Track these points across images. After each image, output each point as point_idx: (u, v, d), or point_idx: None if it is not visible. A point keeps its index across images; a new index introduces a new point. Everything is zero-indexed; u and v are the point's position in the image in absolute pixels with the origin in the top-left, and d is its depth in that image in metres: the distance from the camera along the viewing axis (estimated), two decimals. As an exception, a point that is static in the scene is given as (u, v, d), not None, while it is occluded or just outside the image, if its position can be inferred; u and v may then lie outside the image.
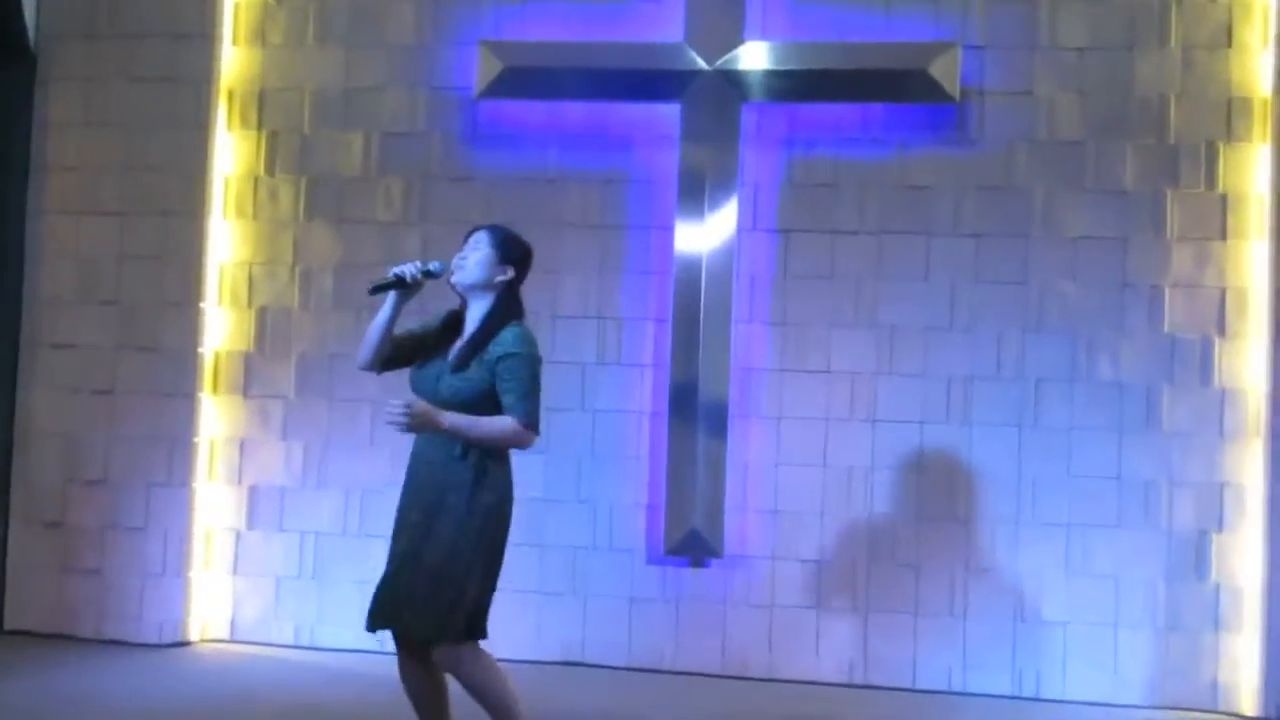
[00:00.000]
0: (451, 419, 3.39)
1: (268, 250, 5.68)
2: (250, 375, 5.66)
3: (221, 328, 5.69)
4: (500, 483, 3.50)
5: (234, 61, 5.71)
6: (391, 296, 3.54)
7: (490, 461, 3.48)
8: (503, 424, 3.43)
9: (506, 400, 3.44)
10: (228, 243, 5.70)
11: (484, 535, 3.45)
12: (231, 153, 5.71)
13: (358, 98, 5.65)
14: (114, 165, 5.65)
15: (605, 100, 5.47)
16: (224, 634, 5.62)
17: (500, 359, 3.44)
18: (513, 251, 3.59)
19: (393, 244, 5.57)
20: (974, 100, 5.29)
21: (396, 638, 3.57)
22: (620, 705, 4.45)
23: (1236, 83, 5.19)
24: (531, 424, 3.45)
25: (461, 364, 3.46)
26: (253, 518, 5.63)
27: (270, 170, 5.69)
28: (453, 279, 3.56)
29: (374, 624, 3.52)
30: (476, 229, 3.63)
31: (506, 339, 3.47)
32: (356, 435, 5.57)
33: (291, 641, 5.55)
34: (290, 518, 5.61)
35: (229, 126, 5.71)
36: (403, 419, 3.31)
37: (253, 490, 5.63)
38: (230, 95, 5.71)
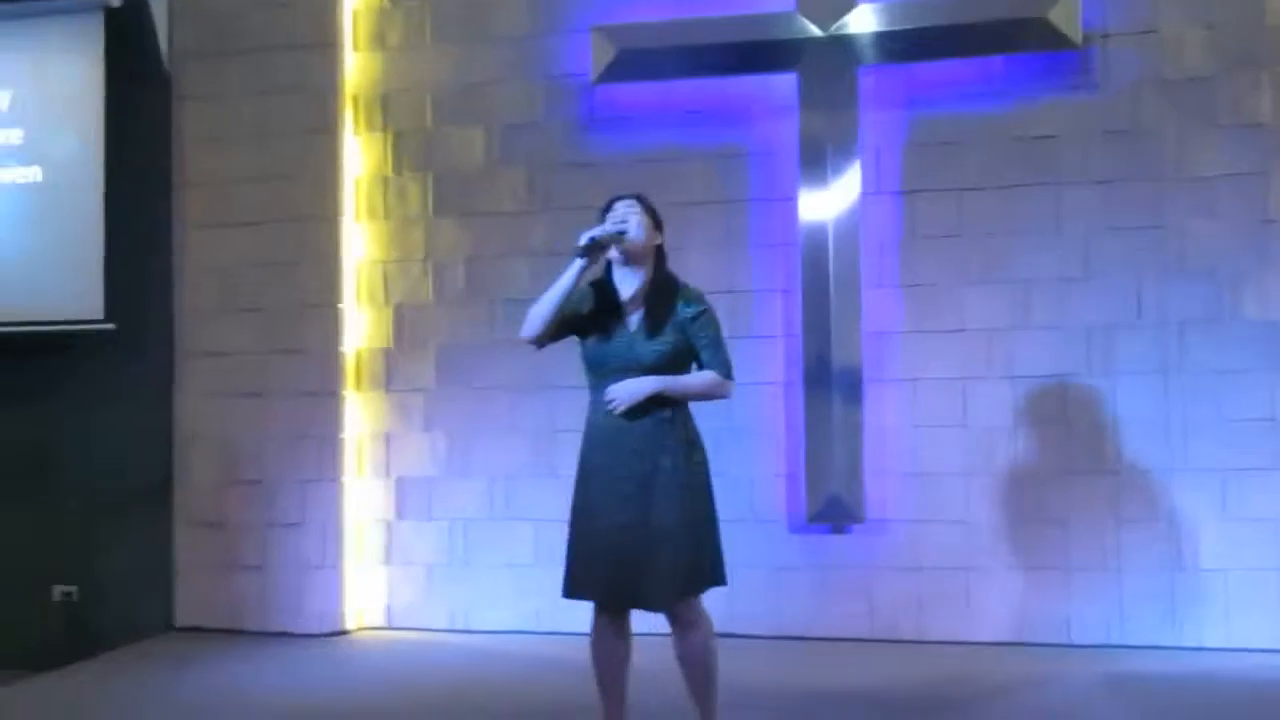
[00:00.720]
0: (663, 382, 3.50)
1: (400, 248, 5.84)
2: (391, 370, 5.83)
3: (360, 326, 5.86)
4: (700, 438, 3.61)
5: (356, 67, 5.88)
6: (575, 265, 3.52)
7: (691, 420, 3.60)
8: (707, 378, 3.58)
9: (705, 355, 3.57)
10: (361, 243, 5.88)
11: (706, 488, 3.58)
12: (359, 155, 5.89)
13: (476, 92, 5.78)
14: (248, 176, 5.87)
15: (720, 75, 5.49)
16: (380, 621, 5.80)
17: (693, 318, 3.55)
18: (658, 217, 3.66)
19: (519, 233, 5.70)
20: (1097, 44, 5.19)
21: (606, 609, 3.58)
22: (771, 673, 4.47)
23: (1374, 3, 5.01)
24: (730, 375, 3.60)
25: (655, 328, 3.53)
26: (402, 508, 5.79)
27: (398, 170, 5.85)
28: (628, 240, 3.54)
29: (616, 601, 3.53)
30: (617, 198, 3.66)
31: (690, 298, 3.59)
32: (496, 423, 5.69)
33: (446, 626, 5.70)
34: (438, 506, 5.76)
35: (355, 130, 5.88)
36: (623, 400, 3.46)
37: (400, 481, 5.80)
38: (355, 100, 5.88)
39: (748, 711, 3.82)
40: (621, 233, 3.54)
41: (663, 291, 3.59)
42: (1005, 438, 5.25)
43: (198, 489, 5.88)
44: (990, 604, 5.24)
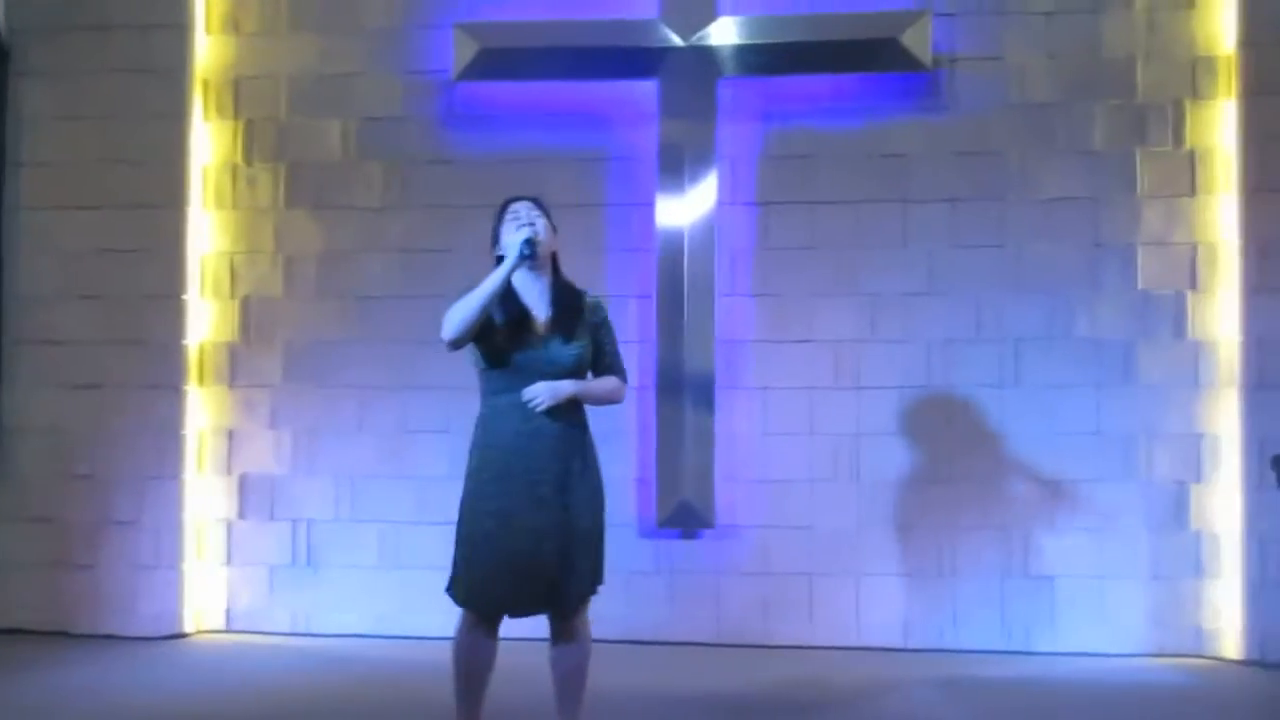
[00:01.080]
0: (579, 386, 3.56)
1: (249, 239, 5.69)
2: (236, 365, 5.67)
3: (205, 319, 5.69)
4: (593, 440, 3.65)
5: (208, 50, 5.71)
6: (507, 267, 3.47)
7: (588, 422, 3.63)
8: (612, 383, 3.68)
9: (608, 360, 3.67)
10: (208, 233, 5.71)
11: (603, 489, 3.63)
12: (209, 142, 5.72)
13: (334, 84, 5.67)
14: (91, 159, 5.65)
15: (582, 79, 5.50)
16: (220, 624, 5.63)
17: (600, 324, 3.66)
18: (552, 220, 3.67)
19: (375, 229, 5.61)
20: (946, 67, 5.38)
21: (501, 616, 3.54)
22: (618, 678, 4.49)
23: (1201, 41, 5.31)
24: (626, 380, 3.73)
25: (570, 333, 3.56)
26: (244, 507, 5.64)
27: (248, 159, 5.70)
28: (537, 248, 3.52)
29: (533, 609, 3.51)
30: (516, 200, 3.64)
31: (595, 305, 3.68)
32: (344, 422, 5.60)
33: (288, 629, 5.57)
34: (281, 506, 5.62)
35: (205, 116, 5.71)
36: (546, 398, 3.47)
37: (243, 480, 5.65)
38: (205, 85, 5.70)
39: (598, 716, 3.84)
40: (538, 237, 3.54)
41: (569, 296, 3.64)
42: (849, 446, 5.39)
43: (25, 483, 5.62)
44: (832, 609, 5.37)
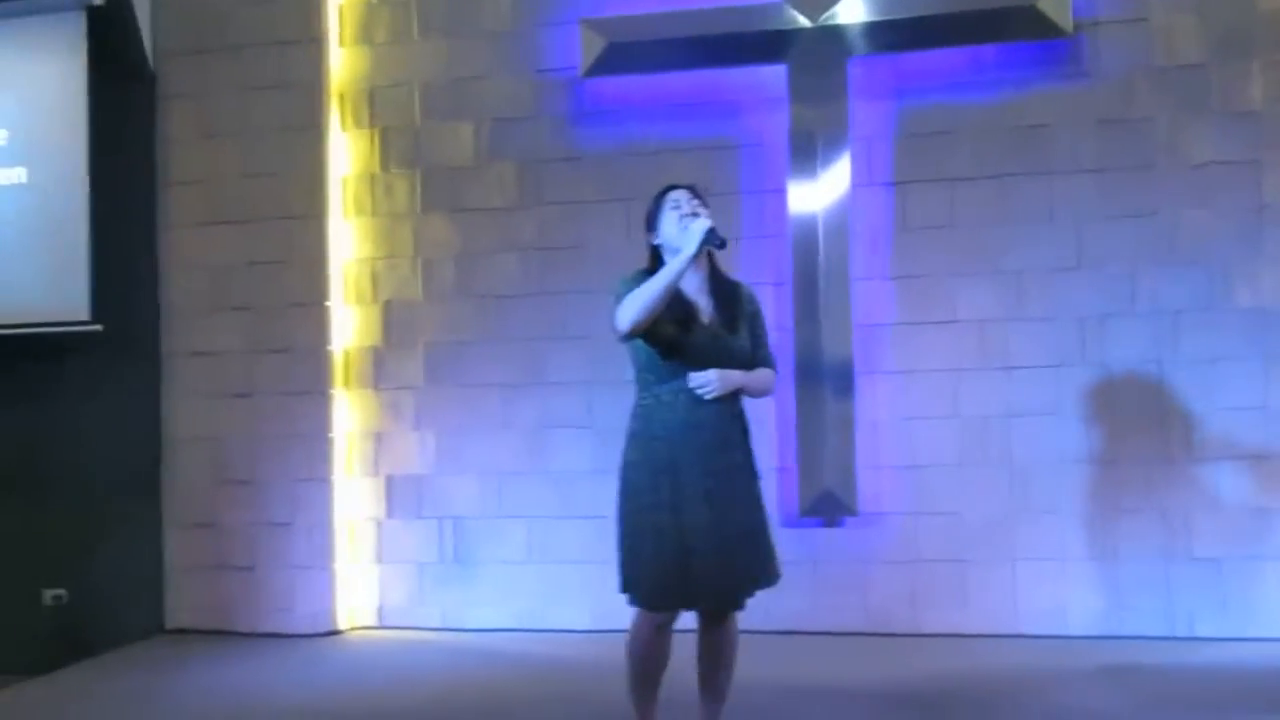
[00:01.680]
0: (746, 377, 3.54)
1: (388, 245, 5.80)
2: (380, 368, 5.78)
3: (349, 324, 5.82)
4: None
5: (342, 63, 5.84)
6: (686, 256, 3.42)
7: (747, 414, 3.61)
8: (768, 375, 3.65)
9: (761, 353, 3.64)
10: (349, 241, 5.83)
11: (760, 482, 3.59)
12: (346, 152, 5.84)
13: (464, 87, 5.73)
14: (234, 174, 5.82)
15: (709, 67, 5.44)
16: (372, 621, 5.75)
17: (755, 315, 3.64)
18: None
19: (508, 229, 5.66)
20: (1087, 31, 5.16)
21: (679, 610, 3.49)
22: (764, 669, 4.44)
23: (1366, -13, 4.99)
24: (777, 371, 3.71)
25: (735, 324, 3.54)
26: (392, 507, 5.75)
27: (385, 166, 5.80)
28: (715, 237, 3.47)
29: (708, 604, 3.48)
30: (675, 187, 3.61)
31: (750, 296, 3.67)
32: (487, 420, 5.66)
33: (438, 625, 5.65)
34: (428, 505, 5.71)
35: (342, 127, 5.83)
36: (718, 385, 3.43)
37: (390, 480, 5.75)
38: (341, 96, 5.83)
39: (743, 708, 3.79)
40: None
41: (729, 287, 3.63)
42: (998, 429, 5.22)
43: (186, 490, 5.84)
44: (985, 596, 5.21)
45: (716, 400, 3.45)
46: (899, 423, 5.32)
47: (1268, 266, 5.02)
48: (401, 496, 5.74)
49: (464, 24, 5.74)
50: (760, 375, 3.61)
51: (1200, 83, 5.10)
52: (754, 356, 3.60)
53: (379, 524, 5.76)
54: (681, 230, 3.49)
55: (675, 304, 3.47)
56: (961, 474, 5.25)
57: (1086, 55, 5.18)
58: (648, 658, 3.52)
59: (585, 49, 5.48)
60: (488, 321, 5.65)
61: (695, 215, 3.50)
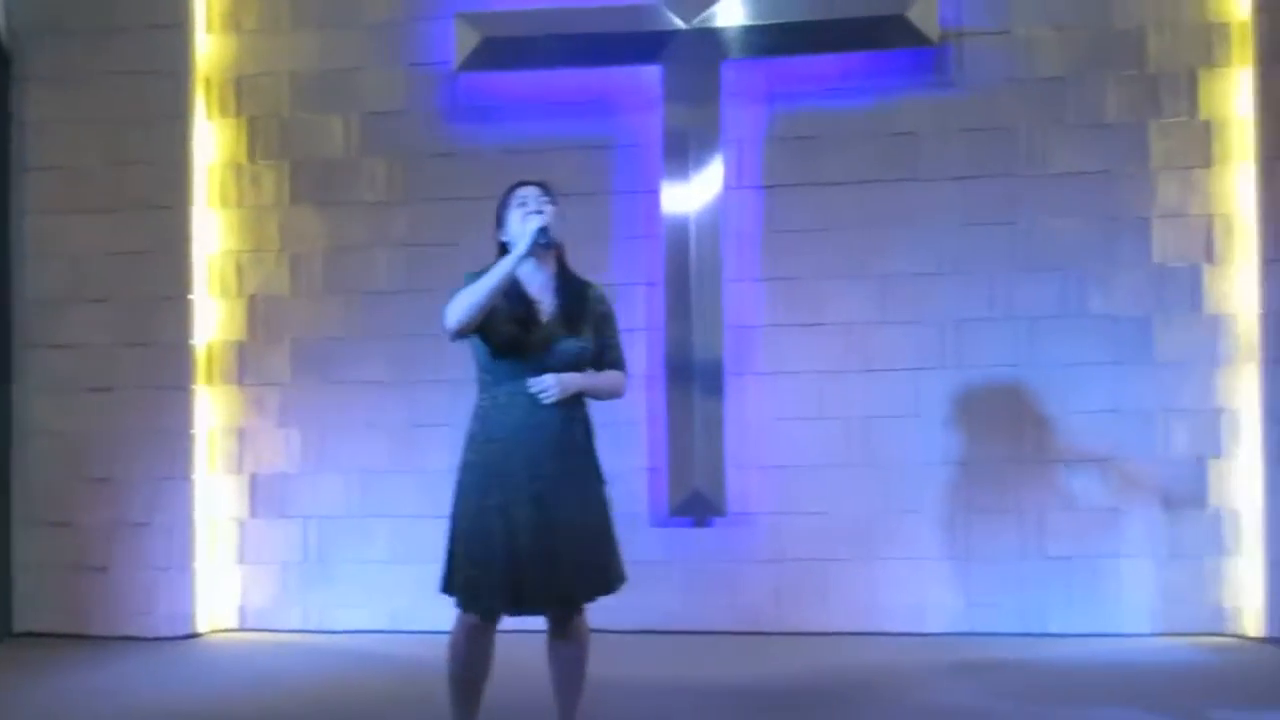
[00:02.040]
0: (587, 379, 3.50)
1: (254, 238, 5.67)
2: (244, 364, 5.65)
3: (213, 318, 5.67)
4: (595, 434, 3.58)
5: (209, 49, 5.69)
6: (515, 257, 3.38)
7: (591, 416, 3.55)
8: (616, 377, 3.61)
9: (611, 355, 3.60)
10: (214, 232, 5.69)
11: (606, 486, 3.54)
12: (212, 141, 5.69)
13: (336, 79, 5.63)
14: (95, 161, 5.63)
15: (585, 66, 5.44)
16: (233, 623, 5.62)
17: (604, 316, 3.58)
18: (560, 208, 3.59)
19: (380, 224, 5.58)
20: (953, 42, 5.29)
21: (500, 615, 3.44)
22: (631, 669, 4.46)
23: (1214, 7, 5.20)
24: (628, 373, 3.67)
25: (575, 325, 3.49)
26: (255, 506, 5.62)
27: (252, 157, 5.67)
28: (545, 237, 3.42)
29: (520, 607, 3.39)
30: (523, 184, 3.56)
31: (600, 297, 3.61)
32: (354, 418, 5.57)
33: (301, 626, 5.55)
34: (292, 504, 5.60)
35: (208, 115, 5.69)
36: (555, 390, 3.38)
37: (254, 479, 5.63)
38: (208, 84, 5.68)
39: (609, 707, 3.79)
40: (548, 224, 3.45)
41: (575, 286, 3.56)
42: (861, 430, 5.32)
43: (39, 487, 5.62)
44: (847, 594, 5.30)
45: (559, 404, 3.41)
46: (768, 423, 5.38)
47: (1120, 274, 5.21)
48: (265, 495, 5.61)
49: (336, 14, 5.64)
50: (606, 377, 3.57)
51: (1059, 94, 5.26)
52: (601, 358, 3.57)
53: (241, 524, 5.63)
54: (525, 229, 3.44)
55: (514, 302, 3.44)
56: (827, 475, 5.33)
57: (952, 65, 5.31)
58: (464, 662, 3.48)
59: (460, 43, 5.43)
60: (356, 318, 5.56)
61: (540, 214, 3.45)
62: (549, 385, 3.39)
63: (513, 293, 3.45)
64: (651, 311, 5.40)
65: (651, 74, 5.40)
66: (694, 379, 5.29)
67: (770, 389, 5.38)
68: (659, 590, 5.37)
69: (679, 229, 5.33)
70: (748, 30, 5.32)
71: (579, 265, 5.25)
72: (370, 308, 5.56)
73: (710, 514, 5.32)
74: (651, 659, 4.89)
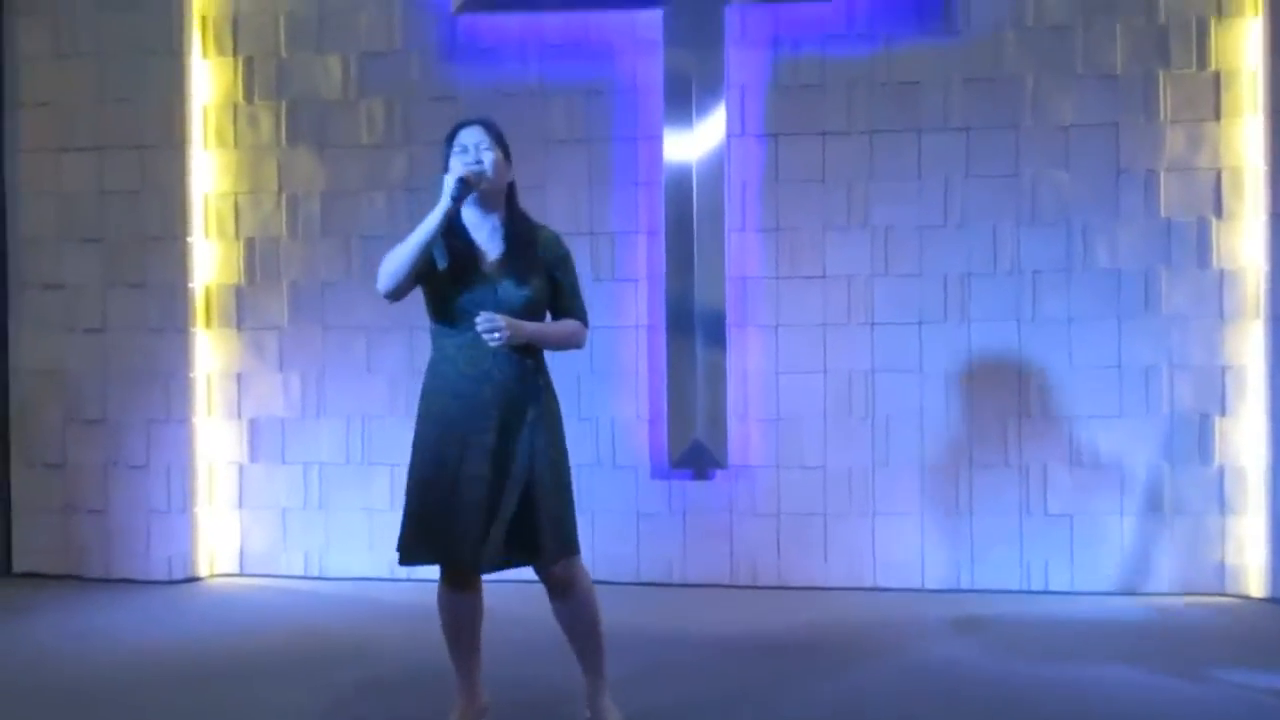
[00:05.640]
0: (533, 328, 3.34)
1: (251, 179, 5.59)
2: (242, 307, 5.60)
3: (210, 260, 5.62)
4: (553, 387, 3.46)
5: (204, -15, 5.58)
6: (440, 212, 3.24)
7: (547, 368, 3.44)
8: (571, 326, 3.47)
9: (566, 303, 3.46)
10: (210, 173, 5.61)
11: (563, 439, 3.43)
12: (208, 80, 5.60)
13: (333, 19, 5.53)
14: (88, 98, 5.54)
15: (584, 8, 5.35)
16: (233, 568, 5.63)
17: (557, 261, 3.43)
18: (508, 147, 3.42)
19: (377, 167, 5.51)
20: (960, -13, 5.19)
21: (453, 570, 3.40)
22: (632, 619, 4.47)
23: (1225, -45, 5.10)
24: (587, 323, 3.51)
25: (521, 273, 3.34)
26: (255, 450, 5.61)
27: (249, 97, 5.58)
28: (486, 181, 3.30)
29: (495, 562, 3.28)
30: (467, 124, 3.39)
31: (552, 241, 3.45)
32: (353, 362, 5.54)
33: (300, 572, 5.56)
34: (292, 449, 5.58)
35: (204, 53, 5.58)
36: (503, 330, 3.23)
37: (253, 423, 5.61)
38: (204, 21, 5.57)
39: (608, 657, 3.80)
40: (482, 173, 3.30)
41: (523, 234, 3.40)
42: (864, 383, 5.29)
43: (36, 428, 5.61)
44: (845, 549, 5.30)
45: (508, 355, 3.29)
46: (769, 376, 5.35)
47: (1123, 228, 5.15)
48: (265, 440, 5.60)
49: (334, -48, 5.53)
50: (560, 327, 3.44)
51: (1066, 44, 5.16)
52: (556, 306, 3.44)
53: (241, 468, 5.62)
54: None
55: (455, 254, 3.31)
56: (827, 428, 5.31)
57: (959, 12, 5.21)
58: (448, 615, 3.45)
59: (459, -17, 5.33)
60: (354, 261, 5.51)
61: (479, 164, 3.31)
62: (499, 325, 3.23)
63: (453, 243, 3.33)
64: (652, 261, 5.34)
65: (653, 17, 5.29)
66: (695, 330, 5.24)
67: (772, 341, 5.34)
68: (659, 542, 5.38)
69: (681, 177, 5.25)
70: (753, -28, 5.21)
71: (577, 213, 5.31)
72: (367, 251, 5.48)
73: (711, 466, 5.31)
74: (650, 611, 4.90)
